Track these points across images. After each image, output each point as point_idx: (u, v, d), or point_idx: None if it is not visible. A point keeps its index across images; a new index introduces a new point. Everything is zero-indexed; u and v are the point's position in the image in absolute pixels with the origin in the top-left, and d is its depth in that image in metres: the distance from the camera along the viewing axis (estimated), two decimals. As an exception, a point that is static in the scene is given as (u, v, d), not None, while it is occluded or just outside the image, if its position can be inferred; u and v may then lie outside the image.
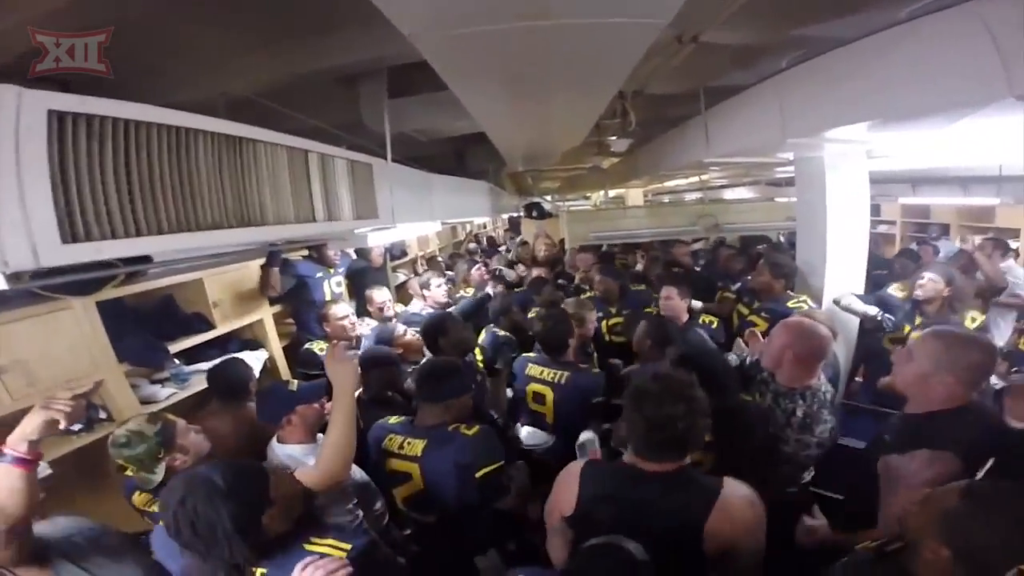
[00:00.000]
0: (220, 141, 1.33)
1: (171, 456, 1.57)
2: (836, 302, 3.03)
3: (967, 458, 1.38)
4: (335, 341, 1.70)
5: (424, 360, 2.03)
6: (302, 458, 1.70)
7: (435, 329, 2.57)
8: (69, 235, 0.97)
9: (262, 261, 3.01)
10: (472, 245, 7.91)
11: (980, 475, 1.34)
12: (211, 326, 2.69)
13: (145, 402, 2.32)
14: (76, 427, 2.01)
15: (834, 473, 2.01)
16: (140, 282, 2.39)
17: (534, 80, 1.96)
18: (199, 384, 2.56)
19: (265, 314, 3.06)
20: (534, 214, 7.13)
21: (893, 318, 2.87)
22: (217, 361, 2.49)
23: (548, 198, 10.46)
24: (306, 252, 3.43)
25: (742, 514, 1.26)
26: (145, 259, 2.25)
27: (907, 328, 2.80)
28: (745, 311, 3.29)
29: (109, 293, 2.20)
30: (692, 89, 3.34)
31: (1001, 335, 3.89)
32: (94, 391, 1.36)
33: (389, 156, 2.48)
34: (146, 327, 2.48)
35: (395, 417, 1.95)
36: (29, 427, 1.21)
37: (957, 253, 4.55)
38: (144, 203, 1.13)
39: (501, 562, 1.74)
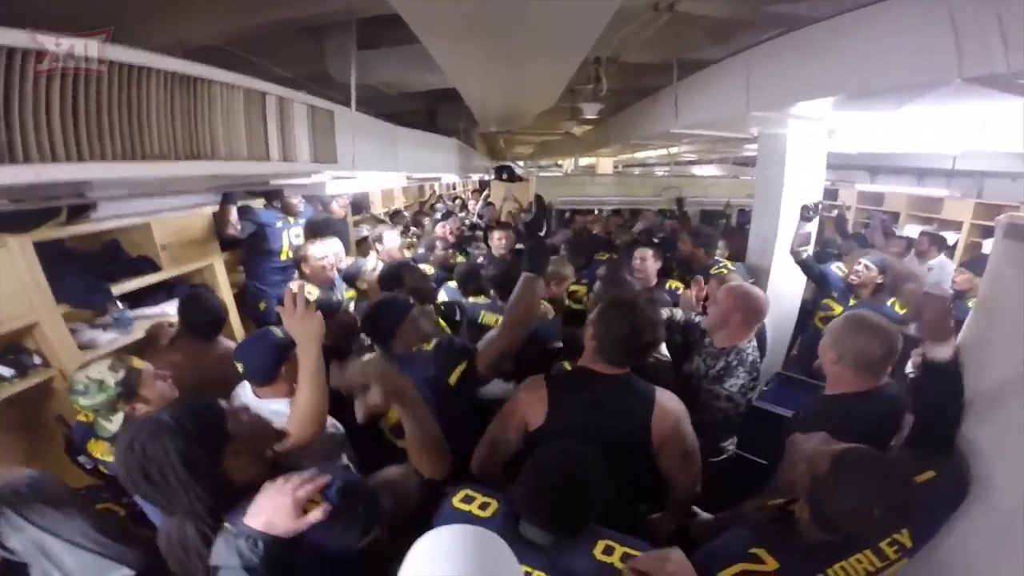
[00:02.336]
0: (172, 79, 1.29)
1: (131, 406, 1.49)
2: (794, 254, 3.13)
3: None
4: (292, 289, 1.52)
5: (369, 303, 2.02)
6: (288, 412, 1.54)
7: (392, 279, 2.54)
8: (7, 156, 0.96)
9: (215, 207, 2.92)
10: (439, 205, 7.78)
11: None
12: (157, 269, 2.59)
13: (84, 347, 2.23)
14: (7, 372, 1.92)
15: (761, 440, 2.11)
16: (83, 223, 2.27)
17: (505, 38, 1.95)
18: (142, 330, 2.46)
19: (216, 259, 2.96)
20: (504, 176, 7.05)
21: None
22: (187, 293, 2.38)
23: (520, 163, 10.38)
24: (264, 202, 3.32)
25: (674, 410, 1.51)
26: (84, 200, 2.17)
27: (838, 308, 2.94)
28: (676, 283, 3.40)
29: (50, 233, 2.08)
30: (666, 60, 3.34)
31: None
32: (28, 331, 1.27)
33: (354, 105, 2.41)
34: (89, 270, 2.37)
35: (367, 355, 1.96)
36: None
37: (893, 240, 4.74)
38: (88, 132, 1.11)
39: None
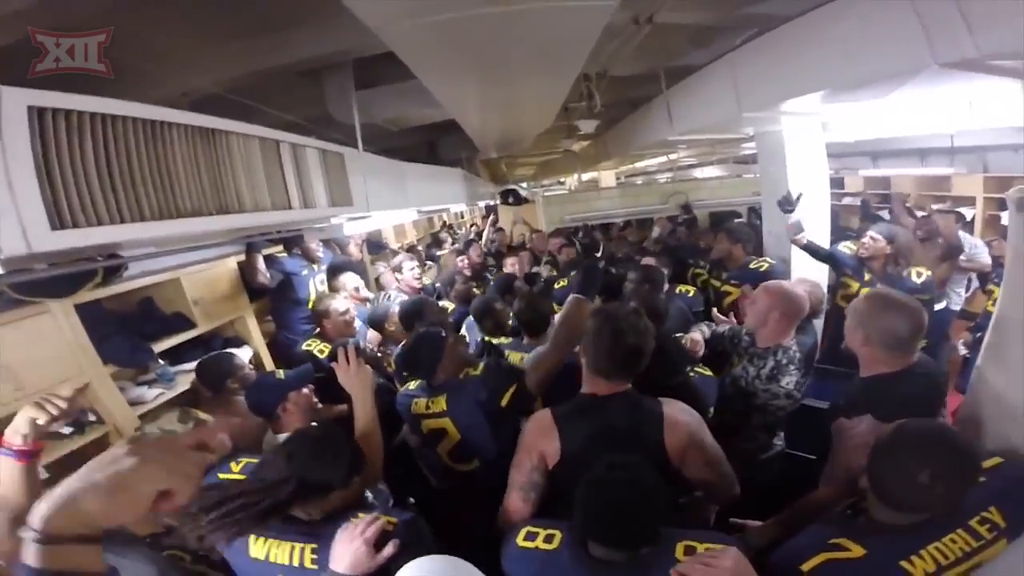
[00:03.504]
0: (193, 133, 1.36)
1: None
2: (794, 242, 3.14)
3: None
4: (343, 346, 1.68)
5: (405, 341, 2.07)
6: None
7: (412, 314, 2.57)
8: (57, 222, 1.00)
9: (240, 257, 3.03)
10: (444, 235, 7.87)
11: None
12: (192, 324, 2.69)
13: (134, 403, 2.32)
14: (66, 430, 2.02)
15: (804, 434, 2.14)
16: (117, 283, 2.38)
17: (499, 65, 2.03)
18: (185, 384, 2.57)
19: (246, 311, 3.05)
20: (510, 200, 7.17)
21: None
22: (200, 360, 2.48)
23: (524, 184, 10.51)
24: (284, 250, 3.39)
25: (685, 422, 1.43)
26: (119, 261, 2.29)
27: (855, 284, 2.91)
28: (717, 283, 3.43)
29: (86, 296, 2.19)
30: (653, 70, 3.43)
31: (959, 298, 4.11)
32: (82, 392, 1.35)
33: (360, 146, 2.52)
34: (127, 329, 2.48)
35: (413, 382, 2.02)
36: (20, 421, 1.22)
37: (920, 219, 4.71)
38: (125, 192, 1.15)
39: None
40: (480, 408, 1.79)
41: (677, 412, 1.44)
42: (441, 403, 1.86)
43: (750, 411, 2.00)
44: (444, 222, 9.24)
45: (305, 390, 1.84)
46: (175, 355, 2.70)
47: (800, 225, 3.09)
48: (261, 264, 2.98)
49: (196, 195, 1.35)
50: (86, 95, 1.07)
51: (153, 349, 2.43)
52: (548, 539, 1.21)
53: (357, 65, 2.55)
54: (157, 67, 1.92)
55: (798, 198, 3.09)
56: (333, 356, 1.77)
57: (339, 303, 2.83)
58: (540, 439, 1.46)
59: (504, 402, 1.78)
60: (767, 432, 2.07)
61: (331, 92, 2.70)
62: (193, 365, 2.69)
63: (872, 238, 2.89)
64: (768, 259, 3.28)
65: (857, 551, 1.05)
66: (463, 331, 2.99)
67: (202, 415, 1.70)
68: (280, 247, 3.36)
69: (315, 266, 3.40)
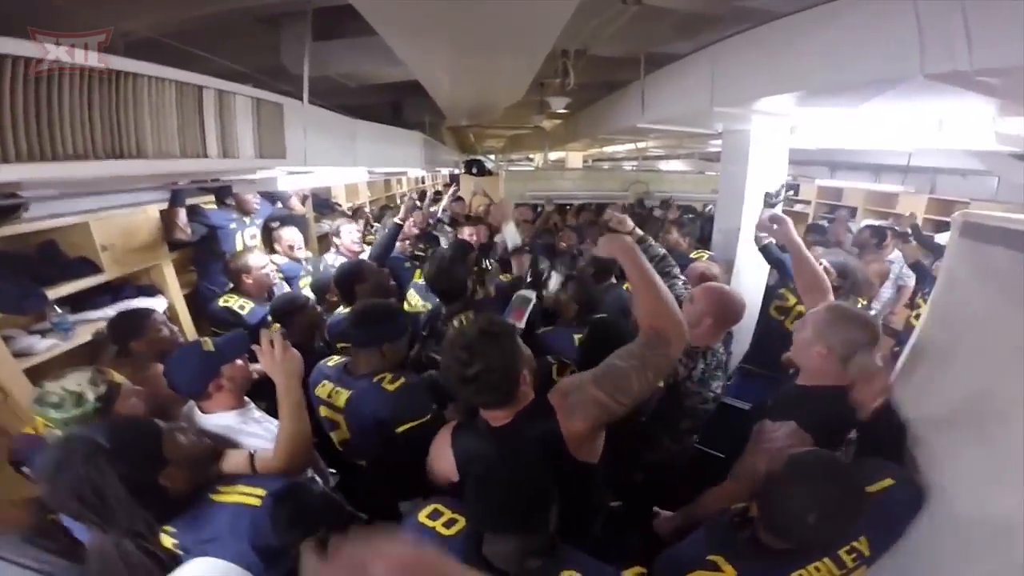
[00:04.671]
0: (91, 75, 1.19)
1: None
2: (756, 239, 3.06)
3: (830, 439, 1.47)
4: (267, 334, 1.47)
5: (359, 302, 1.86)
6: (238, 426, 1.53)
7: (351, 276, 2.41)
8: None
9: (162, 206, 2.76)
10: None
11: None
12: (98, 270, 2.43)
13: (20, 355, 2.09)
14: None
15: (721, 433, 2.12)
16: (13, 223, 2.11)
17: (467, 31, 1.89)
18: (86, 335, 2.34)
19: (163, 259, 2.80)
20: (474, 171, 6.98)
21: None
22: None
23: (491, 157, 10.30)
24: (216, 201, 3.14)
25: (562, 389, 1.31)
26: (19, 204, 2.02)
27: (793, 300, 2.89)
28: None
29: (-25, 236, 1.93)
30: (634, 54, 3.32)
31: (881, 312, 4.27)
32: None
33: (306, 98, 2.30)
34: (23, 273, 2.21)
35: (335, 358, 1.85)
36: None
37: (862, 229, 4.81)
38: None
39: None
40: (374, 424, 1.64)
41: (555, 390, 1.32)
42: (342, 399, 1.70)
43: (680, 413, 1.99)
44: (414, 190, 8.89)
45: (239, 361, 1.58)
46: (79, 304, 2.46)
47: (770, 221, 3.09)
48: (182, 218, 2.74)
49: (82, 139, 1.18)
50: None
51: (47, 295, 2.17)
52: (449, 524, 1.16)
53: (317, 15, 2.34)
54: (91, 8, 1.66)
55: (781, 190, 3.09)
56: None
57: (257, 258, 2.67)
58: (437, 455, 1.40)
59: (399, 431, 1.62)
60: (691, 435, 2.10)
61: (286, 41, 2.51)
62: (98, 314, 2.47)
63: (825, 269, 2.87)
64: (708, 252, 3.37)
65: (729, 572, 1.10)
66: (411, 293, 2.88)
67: (117, 377, 1.50)
68: (211, 197, 3.09)
69: (247, 219, 3.18)
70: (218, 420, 1.54)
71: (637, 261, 1.39)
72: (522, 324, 1.86)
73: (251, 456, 1.37)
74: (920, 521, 1.22)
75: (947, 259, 1.50)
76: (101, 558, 1.12)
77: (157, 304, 2.70)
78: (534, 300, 1.88)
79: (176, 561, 1.15)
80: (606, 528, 1.55)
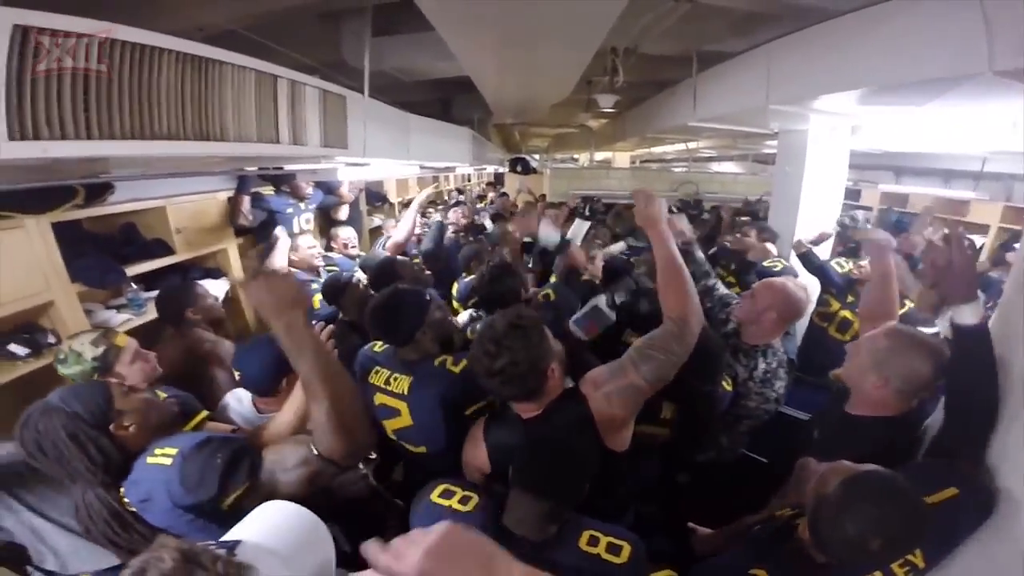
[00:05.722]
0: (183, 59, 1.29)
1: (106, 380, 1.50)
2: (795, 246, 3.04)
3: None
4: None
5: (370, 304, 1.71)
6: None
7: (384, 274, 2.35)
8: (17, 133, 0.97)
9: (230, 193, 2.95)
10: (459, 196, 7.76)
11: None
12: (171, 251, 2.63)
13: (98, 326, 2.25)
14: (22, 351, 1.95)
15: (772, 441, 2.09)
16: (100, 205, 2.30)
17: (518, 25, 1.93)
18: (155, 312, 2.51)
19: (229, 244, 2.99)
20: (518, 168, 7.03)
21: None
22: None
23: (536, 156, 10.33)
24: (274, 189, 3.33)
25: (595, 379, 1.33)
26: (106, 186, 2.21)
27: (836, 304, 2.79)
28: (724, 273, 3.37)
29: (68, 215, 2.11)
30: (685, 52, 3.28)
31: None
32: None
33: (367, 91, 2.40)
34: (104, 252, 2.41)
35: (379, 344, 1.78)
36: None
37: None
38: (99, 110, 1.11)
39: None
40: (442, 407, 1.58)
41: (588, 381, 1.34)
42: (404, 384, 1.64)
43: (741, 413, 1.94)
44: (459, 189, 9.03)
45: None
46: (152, 282, 2.65)
47: (823, 239, 3.07)
48: (246, 205, 2.94)
49: (176, 119, 1.29)
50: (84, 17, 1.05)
51: (125, 272, 2.36)
52: (464, 500, 1.18)
53: (377, 11, 2.45)
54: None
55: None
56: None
57: (305, 239, 2.98)
58: (471, 446, 1.44)
59: (468, 412, 1.61)
60: (749, 436, 2.04)
61: (347, 36, 2.62)
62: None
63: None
64: (783, 260, 3.14)
65: None
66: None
67: (121, 340, 1.62)
68: (268, 186, 3.28)
69: (302, 204, 3.36)
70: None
71: (669, 238, 1.40)
72: (589, 338, 1.72)
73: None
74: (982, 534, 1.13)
75: (1019, 258, 1.38)
76: (76, 510, 1.22)
77: (220, 286, 2.87)
78: (612, 320, 1.70)
79: (139, 520, 1.21)
80: (635, 529, 1.55)
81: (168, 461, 1.15)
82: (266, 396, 1.58)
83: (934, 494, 1.11)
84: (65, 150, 1.07)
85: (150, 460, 1.18)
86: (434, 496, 1.19)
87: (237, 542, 0.76)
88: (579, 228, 2.62)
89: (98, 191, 2.26)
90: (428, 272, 3.10)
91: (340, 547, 0.94)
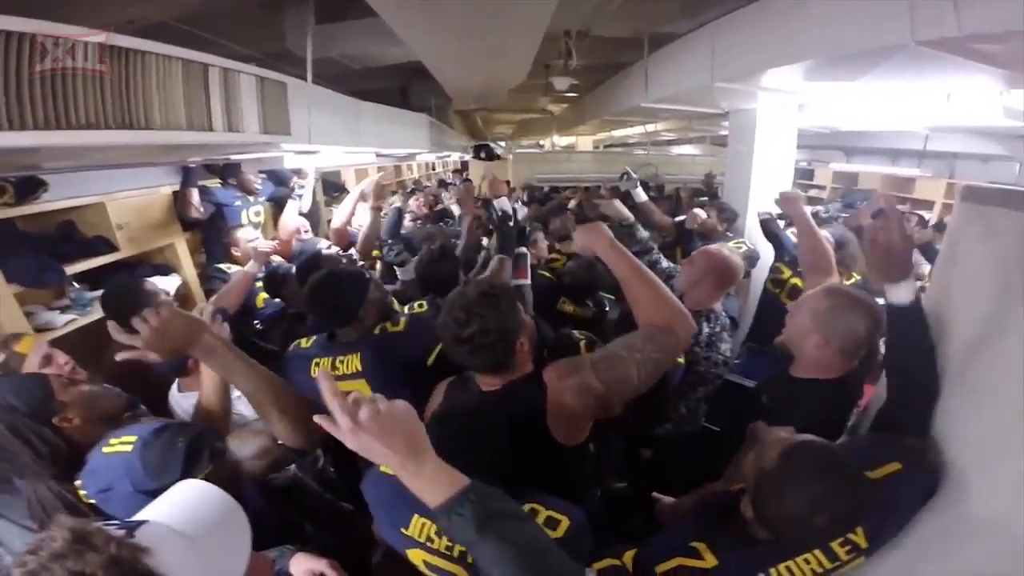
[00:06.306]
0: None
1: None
2: (760, 214, 3.04)
3: (828, 435, 1.29)
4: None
5: (307, 284, 1.68)
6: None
7: (308, 271, 2.22)
8: None
9: (174, 187, 2.85)
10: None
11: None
12: (114, 249, 2.53)
13: (41, 329, 2.18)
14: None
15: (730, 413, 2.08)
16: (33, 203, 2.20)
17: (463, 9, 1.92)
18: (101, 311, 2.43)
19: (177, 239, 2.90)
20: (482, 155, 7.00)
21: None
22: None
23: (502, 143, 10.28)
24: (220, 181, 3.18)
25: (559, 370, 1.24)
26: (38, 183, 2.11)
27: (788, 272, 2.82)
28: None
29: (-1, 214, 2.02)
30: (637, 34, 3.32)
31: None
32: None
33: (310, 77, 2.35)
34: (41, 250, 2.30)
35: (304, 340, 1.73)
36: None
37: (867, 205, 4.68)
38: (7, 101, 1.07)
39: None
40: (402, 368, 1.54)
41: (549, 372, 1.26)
42: (354, 362, 1.60)
43: (693, 379, 2.00)
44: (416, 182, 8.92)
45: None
46: (99, 282, 2.55)
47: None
48: (195, 198, 2.83)
49: (94, 108, 1.24)
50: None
51: (64, 270, 2.27)
52: None
53: (319, -1, 2.41)
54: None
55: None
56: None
57: (245, 232, 2.88)
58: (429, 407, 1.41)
59: (430, 361, 1.57)
60: (705, 402, 2.09)
61: (289, 25, 2.56)
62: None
63: (825, 239, 2.85)
64: (746, 242, 3.17)
65: (710, 560, 1.04)
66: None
67: (24, 346, 1.57)
68: (216, 180, 3.16)
69: (251, 197, 3.23)
70: (189, 400, 1.51)
71: (622, 254, 1.29)
72: (527, 280, 1.90)
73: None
74: (932, 507, 1.10)
75: (951, 224, 1.38)
76: (29, 505, 1.16)
77: (171, 282, 2.80)
78: (526, 252, 1.91)
79: (97, 512, 1.17)
80: (609, 510, 1.56)
81: (128, 448, 1.13)
82: (184, 376, 1.65)
83: (876, 469, 1.08)
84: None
85: (107, 450, 1.16)
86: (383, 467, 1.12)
87: (142, 522, 0.75)
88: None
89: (30, 188, 2.16)
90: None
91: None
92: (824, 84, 2.53)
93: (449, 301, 1.29)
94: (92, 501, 1.17)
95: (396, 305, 1.96)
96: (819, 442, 1.05)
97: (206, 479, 1.05)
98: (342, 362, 1.62)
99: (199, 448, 1.13)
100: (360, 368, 1.60)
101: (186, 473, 1.08)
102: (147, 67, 1.38)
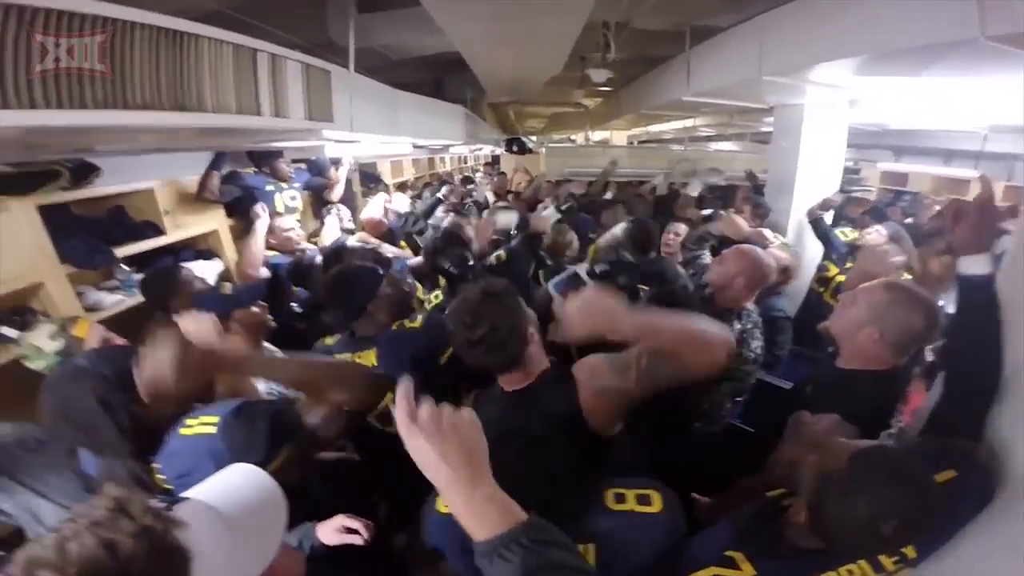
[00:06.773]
0: (157, 33, 1.29)
1: None
2: (809, 212, 3.01)
3: (874, 431, 1.30)
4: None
5: (322, 279, 1.77)
6: None
7: (335, 259, 2.39)
8: None
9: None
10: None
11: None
12: (161, 233, 2.61)
13: (91, 309, 2.26)
14: (12, 333, 1.95)
15: (768, 415, 2.08)
16: (87, 187, 2.28)
17: None
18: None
19: (220, 224, 2.96)
20: (514, 148, 6.99)
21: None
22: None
23: (533, 137, 10.25)
24: (255, 169, 3.20)
25: (593, 367, 1.24)
26: (92, 168, 2.19)
27: (834, 270, 2.76)
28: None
29: (54, 198, 2.09)
30: (678, 27, 3.24)
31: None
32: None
33: (352, 66, 2.38)
34: (93, 233, 2.39)
35: (328, 337, 1.80)
36: None
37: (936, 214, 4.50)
38: (70, 82, 1.11)
39: None
40: (415, 365, 1.55)
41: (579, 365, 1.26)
42: (370, 358, 1.64)
43: (719, 375, 1.94)
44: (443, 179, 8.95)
45: (255, 308, 1.62)
46: (144, 263, 2.63)
47: (828, 204, 3.05)
48: (214, 180, 2.80)
49: (150, 90, 1.28)
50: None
51: (114, 252, 2.34)
52: None
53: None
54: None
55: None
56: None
57: (284, 220, 2.92)
58: None
59: (443, 360, 1.60)
60: (731, 398, 2.09)
61: (332, 14, 2.62)
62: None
63: (877, 231, 2.76)
64: (785, 241, 3.05)
65: (747, 570, 0.98)
66: None
67: (81, 330, 1.58)
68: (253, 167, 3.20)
69: (284, 184, 3.22)
70: None
71: (630, 326, 1.11)
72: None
73: None
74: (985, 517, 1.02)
75: (1020, 225, 1.35)
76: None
77: (214, 267, 2.87)
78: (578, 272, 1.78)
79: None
80: None
81: (212, 430, 1.10)
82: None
83: (935, 479, 1.00)
84: (35, 119, 1.07)
85: (185, 431, 1.13)
86: (440, 506, 1.06)
87: (184, 499, 0.75)
88: (549, 215, 2.65)
89: (84, 172, 2.24)
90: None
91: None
92: (878, 79, 2.42)
93: (454, 308, 1.29)
94: (169, 487, 1.13)
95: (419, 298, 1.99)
96: (890, 447, 1.02)
97: (287, 460, 1.09)
98: (360, 357, 1.68)
99: (280, 427, 1.13)
100: (375, 363, 1.65)
101: (269, 453, 1.08)
102: (199, 50, 1.41)
